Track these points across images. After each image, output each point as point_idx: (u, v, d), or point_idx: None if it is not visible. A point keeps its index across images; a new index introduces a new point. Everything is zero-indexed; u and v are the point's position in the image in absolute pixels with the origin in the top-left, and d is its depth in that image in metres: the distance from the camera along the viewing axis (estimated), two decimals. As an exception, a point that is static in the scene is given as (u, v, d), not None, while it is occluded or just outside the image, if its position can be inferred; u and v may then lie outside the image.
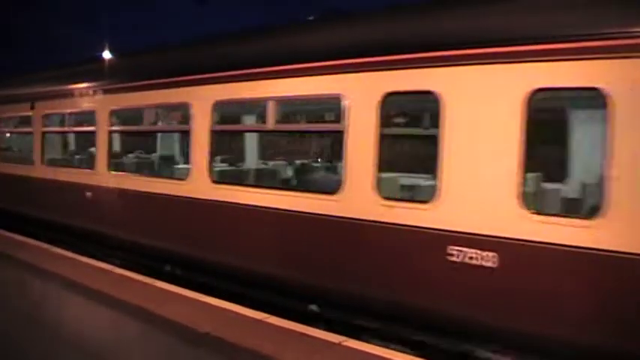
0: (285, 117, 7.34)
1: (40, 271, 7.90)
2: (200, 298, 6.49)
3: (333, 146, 6.58)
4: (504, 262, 5.27)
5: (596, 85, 4.86)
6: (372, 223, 6.12)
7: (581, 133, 6.64)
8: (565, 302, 5.01)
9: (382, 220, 6.05)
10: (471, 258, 5.42)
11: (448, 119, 5.62)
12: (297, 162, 10.33)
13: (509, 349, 5.62)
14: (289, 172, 9.92)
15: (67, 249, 9.14)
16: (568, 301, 4.99)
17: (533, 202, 5.36)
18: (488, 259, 5.34)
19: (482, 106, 5.43)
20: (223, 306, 6.23)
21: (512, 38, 5.29)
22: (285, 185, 9.16)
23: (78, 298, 7.03)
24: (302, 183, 9.01)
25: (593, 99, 5.00)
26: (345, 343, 5.12)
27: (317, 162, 8.33)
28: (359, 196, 6.25)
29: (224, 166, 9.19)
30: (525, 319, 5.24)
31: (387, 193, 6.22)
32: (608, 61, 4.82)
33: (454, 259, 5.52)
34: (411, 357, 4.82)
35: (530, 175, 5.53)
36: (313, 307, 7.01)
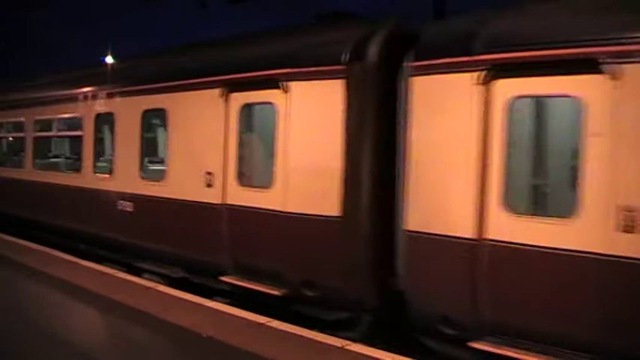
0: (62, 127, 11.79)
1: (42, 275, 8.42)
2: (203, 303, 6.87)
3: (79, 145, 10.99)
4: (135, 208, 9.46)
5: (162, 107, 8.94)
6: (92, 190, 10.46)
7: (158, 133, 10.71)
8: (178, 232, 9.02)
9: (96, 187, 10.37)
10: (125, 206, 9.64)
11: (117, 126, 9.87)
12: (69, 155, 13.17)
13: (158, 262, 9.71)
14: (64, 162, 13.00)
15: (69, 253, 10.38)
16: (182, 234, 8.95)
17: (146, 173, 9.48)
18: (130, 207, 9.54)
19: (129, 118, 9.60)
20: (226, 310, 6.56)
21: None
22: (62, 169, 12.33)
23: (79, 302, 7.30)
24: (70, 168, 12.08)
25: (162, 115, 9.05)
26: (347, 347, 5.33)
27: (76, 155, 12.51)
28: (88, 174, 10.61)
29: (39, 160, 13.24)
30: (151, 242, 9.30)
31: (98, 171, 10.55)
32: (209, 91, 8.73)
33: (120, 207, 9.74)
34: None
35: (145, 158, 9.64)
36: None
